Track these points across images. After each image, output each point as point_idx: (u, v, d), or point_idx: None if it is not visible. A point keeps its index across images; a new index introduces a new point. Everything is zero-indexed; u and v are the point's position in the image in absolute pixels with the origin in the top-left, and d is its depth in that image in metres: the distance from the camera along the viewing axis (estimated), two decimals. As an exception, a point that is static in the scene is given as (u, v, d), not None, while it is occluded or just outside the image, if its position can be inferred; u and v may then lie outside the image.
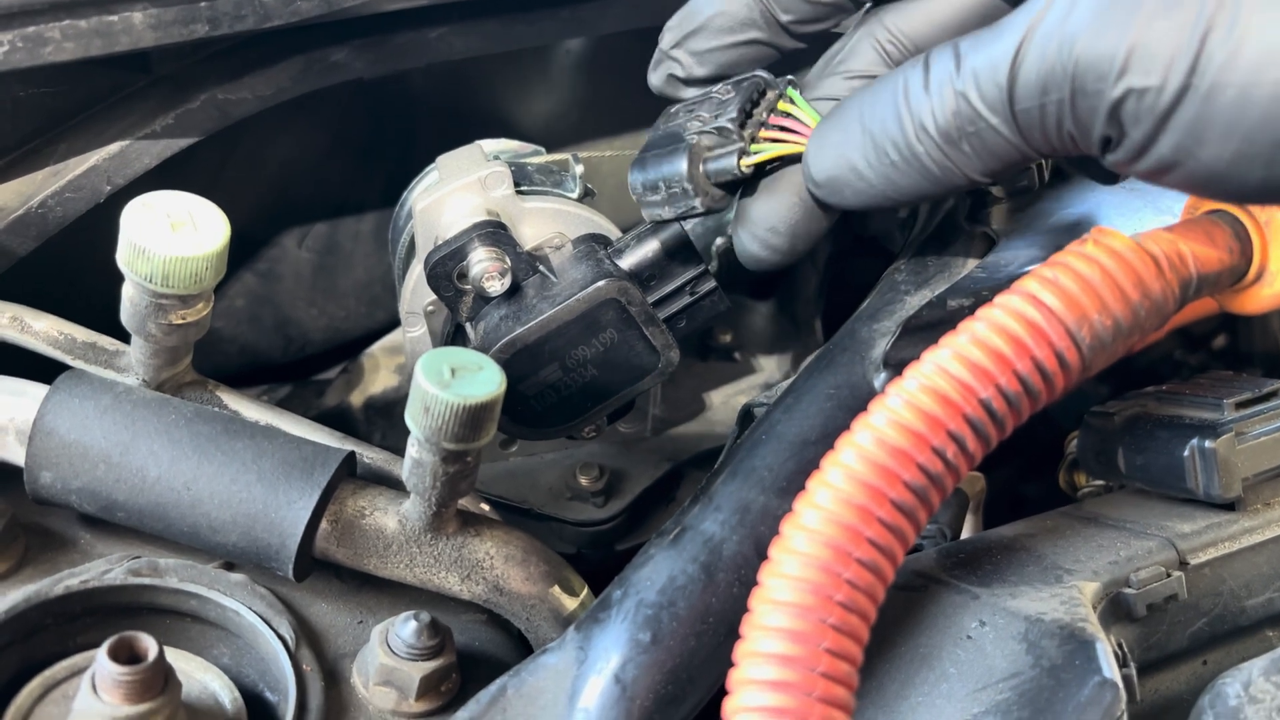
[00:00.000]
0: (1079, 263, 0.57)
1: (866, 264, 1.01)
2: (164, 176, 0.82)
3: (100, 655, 0.56)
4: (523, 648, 0.71)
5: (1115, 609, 0.67)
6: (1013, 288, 0.58)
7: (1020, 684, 0.61)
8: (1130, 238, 0.58)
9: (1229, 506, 0.72)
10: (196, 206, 0.67)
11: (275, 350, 1.06)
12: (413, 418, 0.62)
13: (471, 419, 0.61)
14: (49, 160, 0.79)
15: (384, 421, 0.98)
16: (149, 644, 0.57)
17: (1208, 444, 0.71)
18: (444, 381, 0.61)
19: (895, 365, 0.67)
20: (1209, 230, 0.63)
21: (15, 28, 0.65)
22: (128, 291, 0.67)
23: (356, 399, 0.99)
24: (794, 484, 0.65)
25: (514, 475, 0.91)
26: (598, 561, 0.91)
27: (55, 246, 0.79)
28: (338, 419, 0.98)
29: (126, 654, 0.57)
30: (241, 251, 1.01)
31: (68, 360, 0.72)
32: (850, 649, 0.52)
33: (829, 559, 0.52)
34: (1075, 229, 0.75)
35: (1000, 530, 0.73)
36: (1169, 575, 0.68)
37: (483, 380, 0.62)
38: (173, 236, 0.64)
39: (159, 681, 0.57)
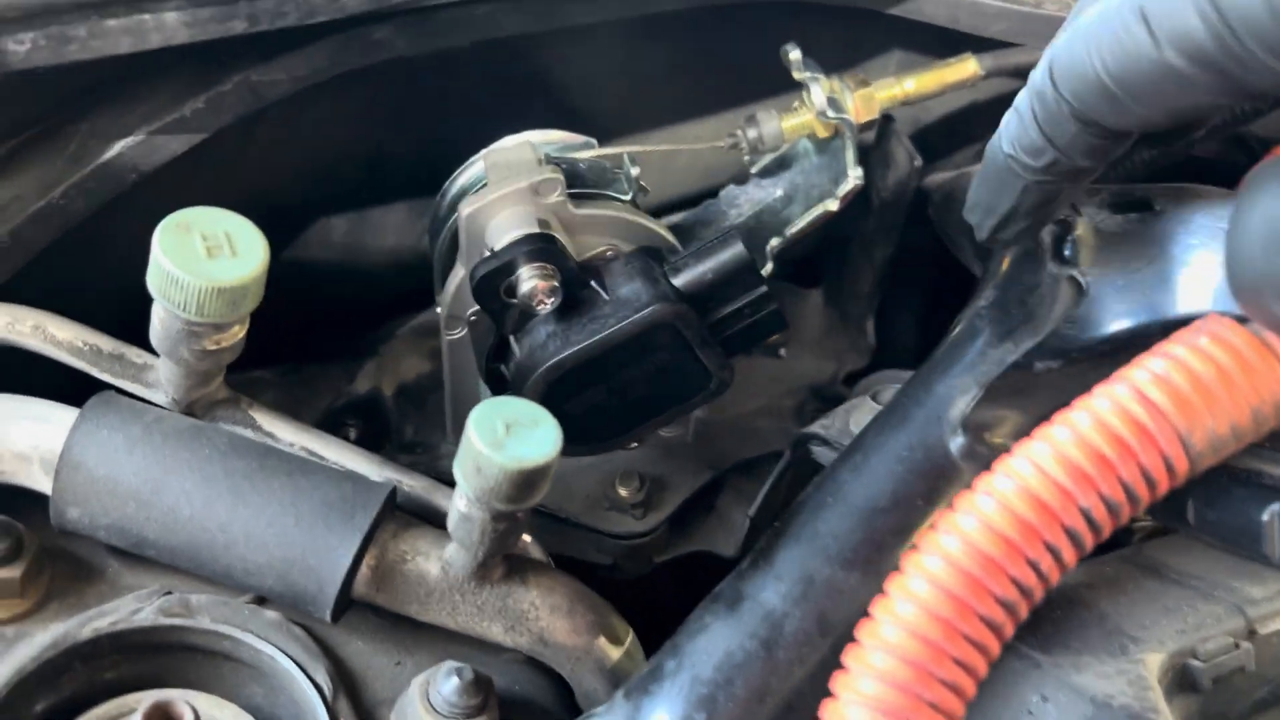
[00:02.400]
0: (1194, 359, 0.52)
1: (929, 246, 0.96)
2: (187, 158, 0.77)
3: (134, 724, 0.54)
4: (561, 689, 0.69)
5: (1180, 680, 0.64)
6: (1118, 378, 0.54)
7: (1086, 775, 0.59)
8: (1248, 331, 0.54)
9: (1300, 571, 0.69)
10: (233, 225, 0.62)
11: (302, 321, 1.02)
12: (463, 474, 0.59)
13: (525, 482, 0.58)
14: (69, 146, 0.74)
15: (416, 412, 0.95)
16: (184, 711, 0.55)
17: (1290, 510, 0.68)
18: (497, 441, 0.57)
19: (975, 429, 0.63)
20: None
21: (38, 27, 0.59)
22: (158, 314, 0.63)
23: (388, 386, 0.95)
24: (860, 555, 0.62)
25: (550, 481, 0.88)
26: (635, 573, 0.89)
27: (76, 239, 0.74)
28: (369, 406, 0.94)
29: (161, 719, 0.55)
30: (267, 225, 0.96)
31: (93, 373, 0.68)
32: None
33: (910, 679, 0.49)
34: (1169, 276, 0.70)
35: (1058, 578, 0.70)
36: (1238, 646, 0.65)
37: (538, 440, 0.59)
38: (207, 262, 0.60)
39: (194, 749, 0.55)
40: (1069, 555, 0.52)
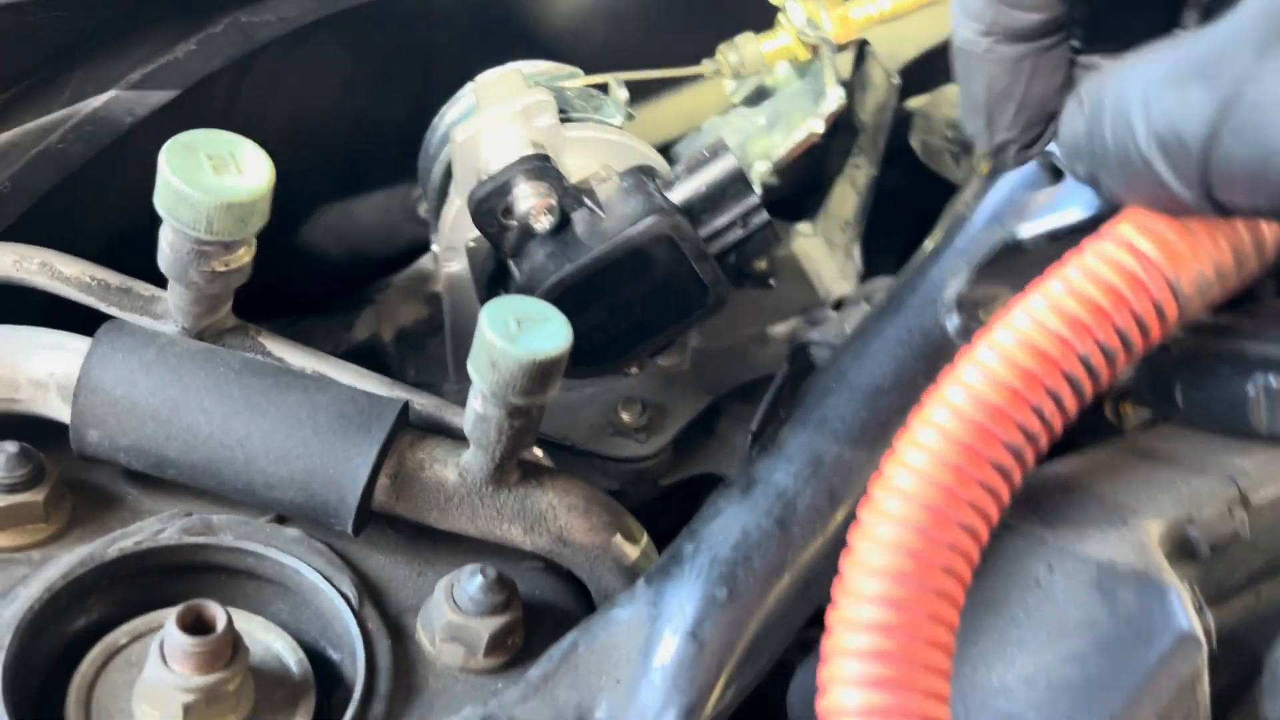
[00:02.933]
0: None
1: (911, 188, 0.98)
2: (180, 108, 0.78)
3: (169, 626, 0.55)
4: (580, 593, 0.70)
5: (1179, 550, 0.66)
6: (1106, 232, 0.56)
7: (1096, 634, 0.61)
8: None
9: (1287, 442, 0.71)
10: (237, 145, 0.63)
11: (293, 279, 1.03)
12: (478, 371, 0.60)
13: (540, 373, 0.59)
14: (65, 92, 0.75)
15: (416, 355, 0.96)
16: (217, 613, 0.56)
17: (1274, 381, 0.70)
18: (510, 334, 0.59)
19: (969, 307, 0.65)
20: None
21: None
22: (167, 237, 0.64)
23: (386, 332, 0.96)
24: (868, 434, 0.63)
25: (553, 412, 0.89)
26: (640, 498, 0.90)
27: (76, 183, 0.75)
28: (368, 353, 0.95)
29: (194, 622, 0.56)
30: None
31: (101, 307, 0.69)
32: (951, 615, 0.51)
33: (927, 522, 0.51)
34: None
35: (1054, 467, 0.72)
36: (1232, 514, 0.67)
37: (550, 333, 0.60)
38: (215, 179, 0.61)
39: (228, 650, 0.56)
40: (1070, 402, 0.54)
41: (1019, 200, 0.70)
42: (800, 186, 1.04)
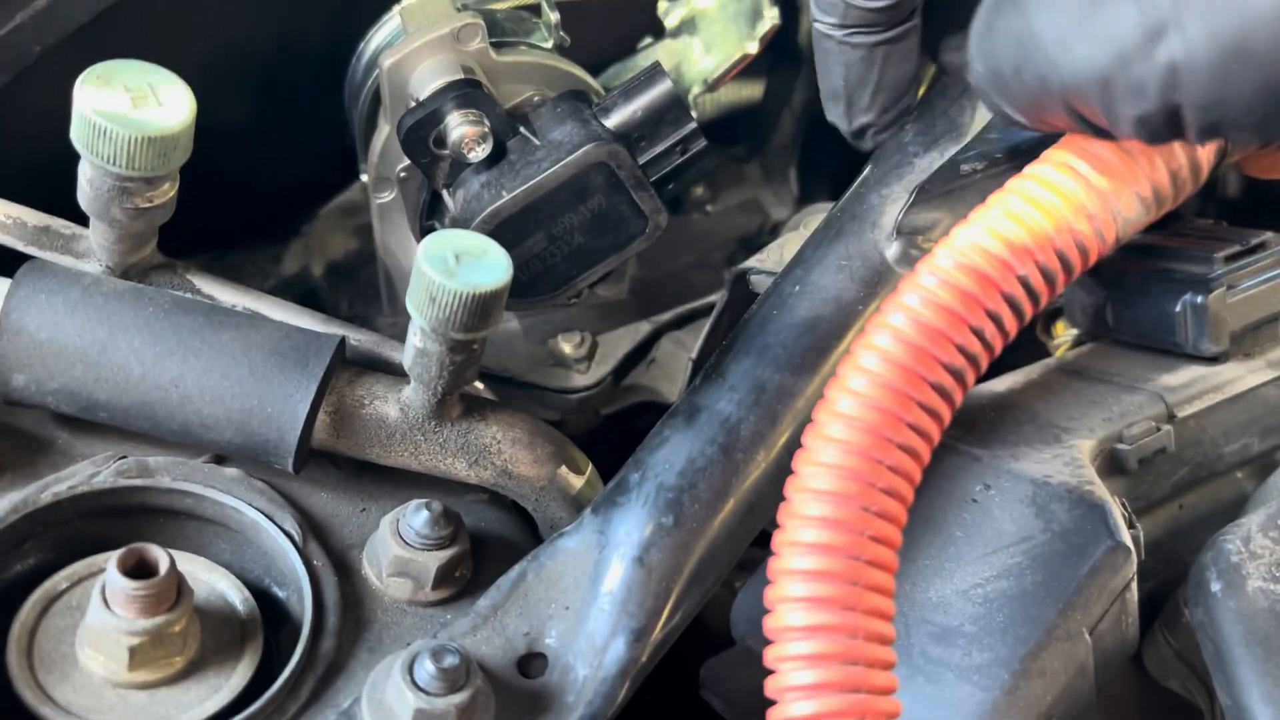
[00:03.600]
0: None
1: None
2: (92, 36, 0.74)
3: (110, 570, 0.54)
4: (525, 524, 0.71)
5: (1109, 464, 0.69)
6: (1045, 157, 0.56)
7: (1031, 548, 0.63)
8: None
9: (1210, 359, 0.73)
10: (156, 77, 0.61)
11: (215, 212, 1.00)
12: (417, 307, 0.59)
13: (481, 308, 0.58)
14: (-35, 19, 0.71)
15: (348, 287, 0.94)
16: (159, 555, 0.55)
17: (1199, 299, 0.72)
18: (449, 269, 0.58)
19: (908, 233, 0.66)
20: None
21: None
22: (86, 173, 0.61)
23: (316, 266, 0.94)
24: (809, 361, 0.64)
25: (492, 344, 0.88)
26: (581, 427, 0.90)
27: (-17, 116, 0.72)
28: (298, 287, 0.93)
29: (136, 566, 0.55)
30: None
31: (18, 247, 0.66)
32: (893, 535, 0.52)
33: (869, 445, 0.52)
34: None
35: (988, 386, 0.74)
36: (1159, 429, 0.69)
37: (489, 266, 0.59)
38: (135, 113, 0.59)
39: (172, 592, 0.55)
40: (1010, 323, 0.55)
41: (957, 123, 0.71)
42: (736, 112, 1.03)
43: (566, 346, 0.89)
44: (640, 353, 0.93)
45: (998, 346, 0.55)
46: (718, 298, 0.94)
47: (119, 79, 0.59)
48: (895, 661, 0.51)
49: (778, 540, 0.52)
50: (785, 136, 1.00)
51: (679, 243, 0.99)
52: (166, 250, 0.70)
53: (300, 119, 0.99)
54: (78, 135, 0.59)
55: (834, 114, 0.66)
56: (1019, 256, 0.53)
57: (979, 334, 0.54)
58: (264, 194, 1.01)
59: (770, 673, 0.51)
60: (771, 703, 0.51)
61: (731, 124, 1.05)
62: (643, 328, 0.92)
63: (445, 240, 0.59)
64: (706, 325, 0.85)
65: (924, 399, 0.53)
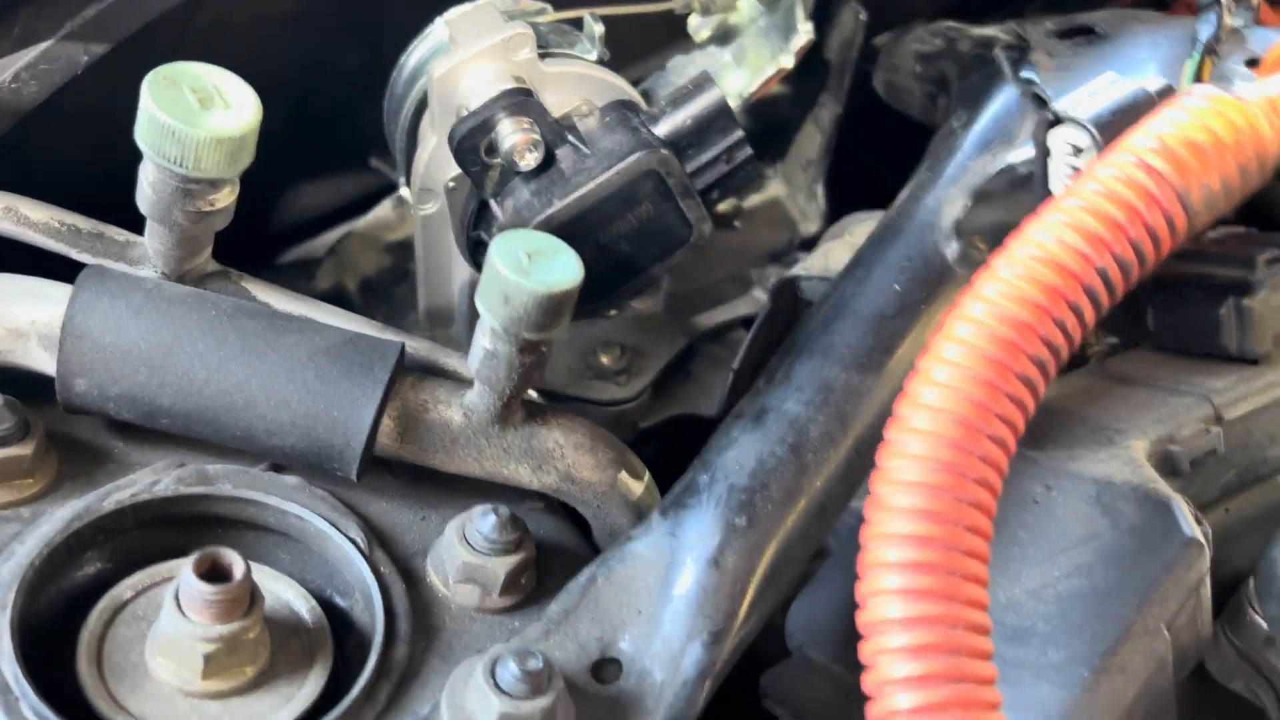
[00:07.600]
0: (1185, 124, 0.55)
1: (875, 128, 0.98)
2: (130, 49, 0.74)
3: (186, 574, 0.53)
4: (582, 532, 0.70)
5: (1162, 466, 0.69)
6: (1115, 149, 0.57)
7: (1100, 546, 0.63)
8: (1229, 96, 0.57)
9: (1253, 361, 0.74)
10: (221, 80, 0.60)
11: (246, 229, 0.99)
12: (488, 307, 0.59)
13: (555, 306, 0.58)
14: (13, 29, 0.70)
15: (383, 305, 0.93)
16: (234, 560, 0.54)
17: (1244, 302, 0.73)
18: (523, 268, 0.58)
19: (968, 234, 0.66)
20: None
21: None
22: (149, 176, 0.60)
23: (350, 282, 0.94)
24: (875, 360, 0.64)
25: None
26: (622, 440, 0.90)
27: (31, 126, 0.71)
28: (334, 303, 0.92)
29: (211, 570, 0.54)
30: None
31: (72, 254, 0.65)
32: (985, 526, 0.52)
33: (961, 436, 0.52)
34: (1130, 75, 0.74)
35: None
36: (1209, 431, 0.70)
37: (561, 265, 0.59)
38: (202, 114, 0.58)
39: (246, 598, 0.54)
40: (1089, 315, 0.55)
41: (1007, 128, 0.71)
42: (763, 126, 1.04)
43: (605, 359, 0.88)
44: (677, 366, 0.92)
45: (1078, 338, 0.55)
46: (752, 310, 0.94)
47: (184, 81, 0.59)
48: (993, 652, 0.50)
49: (866, 534, 0.52)
50: (813, 150, 1.01)
51: (710, 259, 0.99)
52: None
53: (326, 136, 0.99)
54: (144, 136, 0.58)
55: None
56: (1096, 248, 0.54)
57: (1061, 325, 0.54)
58: (287, 213, 1.01)
59: (859, 670, 0.51)
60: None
61: (758, 138, 1.05)
62: (679, 341, 0.92)
63: (515, 240, 0.59)
64: (749, 335, 0.85)
65: (1010, 389, 0.53)
